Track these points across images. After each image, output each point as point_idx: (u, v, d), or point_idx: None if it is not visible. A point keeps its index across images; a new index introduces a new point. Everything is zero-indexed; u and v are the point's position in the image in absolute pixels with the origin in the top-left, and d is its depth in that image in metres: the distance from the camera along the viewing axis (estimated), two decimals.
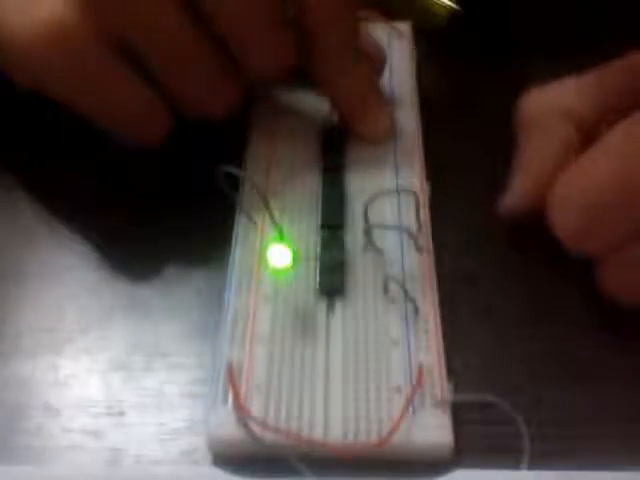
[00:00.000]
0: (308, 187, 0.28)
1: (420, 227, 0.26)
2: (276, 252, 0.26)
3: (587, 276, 0.25)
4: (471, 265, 0.26)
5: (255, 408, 0.22)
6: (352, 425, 0.22)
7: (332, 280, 0.25)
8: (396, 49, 0.34)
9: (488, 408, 0.22)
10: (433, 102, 0.32)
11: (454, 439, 0.21)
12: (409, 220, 0.26)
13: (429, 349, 0.23)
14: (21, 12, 0.25)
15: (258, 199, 0.26)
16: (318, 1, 0.27)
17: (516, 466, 0.21)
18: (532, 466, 0.21)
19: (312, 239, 0.26)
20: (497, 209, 0.26)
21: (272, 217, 0.26)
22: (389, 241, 0.26)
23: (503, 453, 0.21)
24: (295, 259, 0.26)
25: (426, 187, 0.28)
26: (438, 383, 0.22)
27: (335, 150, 0.29)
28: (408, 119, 0.31)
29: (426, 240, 0.26)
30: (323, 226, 0.27)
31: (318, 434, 0.21)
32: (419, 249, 0.26)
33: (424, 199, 0.27)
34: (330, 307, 0.24)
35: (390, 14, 0.35)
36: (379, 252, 0.26)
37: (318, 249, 0.26)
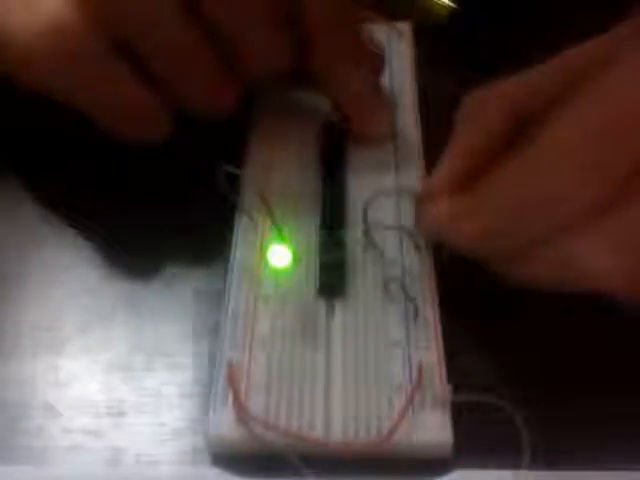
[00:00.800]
0: (308, 187, 0.28)
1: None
2: (276, 252, 0.26)
3: None
4: (471, 265, 0.26)
5: (255, 408, 0.22)
6: (352, 425, 0.22)
7: (332, 280, 0.25)
8: (396, 49, 0.34)
9: (488, 408, 0.22)
10: (433, 102, 0.32)
11: (454, 439, 0.21)
12: (409, 220, 0.26)
13: (429, 349, 0.23)
14: (22, 12, 0.25)
15: (258, 199, 0.26)
16: (318, 1, 0.27)
17: (516, 466, 0.21)
18: (532, 466, 0.21)
19: (312, 239, 0.26)
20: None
21: (272, 217, 0.26)
22: (389, 241, 0.26)
23: (503, 453, 0.21)
24: (295, 259, 0.26)
25: None
26: (438, 383, 0.22)
27: (335, 150, 0.29)
28: (408, 119, 0.31)
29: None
30: (323, 226, 0.27)
31: (318, 434, 0.21)
32: (419, 249, 0.26)
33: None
34: (330, 307, 0.24)
35: (390, 14, 0.35)
36: (379, 252, 0.26)
37: (318, 249, 0.26)
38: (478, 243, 0.23)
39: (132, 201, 0.29)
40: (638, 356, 0.24)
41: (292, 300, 0.25)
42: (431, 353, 0.23)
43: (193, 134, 0.28)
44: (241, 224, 0.27)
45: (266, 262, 0.26)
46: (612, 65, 0.22)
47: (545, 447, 0.21)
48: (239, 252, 0.26)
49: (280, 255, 0.26)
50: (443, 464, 0.21)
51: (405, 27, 0.35)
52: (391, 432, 0.21)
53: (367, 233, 0.26)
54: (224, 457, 0.22)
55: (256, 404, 0.22)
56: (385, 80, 0.32)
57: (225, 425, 0.22)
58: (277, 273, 0.25)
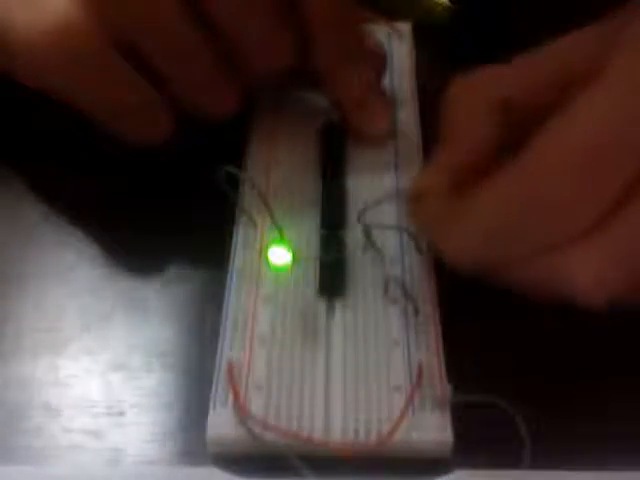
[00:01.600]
0: (308, 187, 0.28)
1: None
2: (276, 252, 0.26)
3: None
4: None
5: (255, 408, 0.22)
6: (352, 425, 0.22)
7: (332, 280, 0.25)
8: (396, 49, 0.34)
9: (488, 408, 0.22)
10: (433, 102, 0.32)
11: (454, 439, 0.21)
12: (409, 220, 0.26)
13: (429, 349, 0.23)
14: (25, 12, 0.25)
15: (258, 199, 0.26)
16: (319, 2, 0.27)
17: (516, 466, 0.21)
18: (532, 466, 0.21)
19: (312, 239, 0.26)
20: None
21: (272, 217, 0.26)
22: (389, 241, 0.26)
23: (503, 453, 0.21)
24: (295, 259, 0.26)
25: None
26: (438, 383, 0.22)
27: (335, 150, 0.29)
28: (408, 119, 0.31)
29: (426, 240, 0.26)
30: (323, 226, 0.27)
31: (318, 434, 0.21)
32: (419, 249, 0.26)
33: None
34: (330, 307, 0.24)
35: (390, 14, 0.35)
36: (379, 252, 0.26)
37: (318, 249, 0.26)
38: (464, 252, 0.23)
39: (132, 201, 0.29)
40: (638, 356, 0.24)
41: (292, 300, 0.25)
42: (431, 353, 0.23)
43: (193, 134, 0.28)
44: (241, 224, 0.27)
45: (266, 262, 0.26)
46: (607, 67, 0.21)
47: (545, 447, 0.21)
48: (239, 252, 0.26)
49: (280, 255, 0.26)
50: (443, 464, 0.21)
51: (405, 27, 0.35)
52: (391, 432, 0.21)
53: (366, 234, 0.26)
54: (224, 457, 0.22)
55: (256, 404, 0.22)
56: (385, 80, 0.32)
57: (225, 425, 0.22)
58: (277, 273, 0.25)
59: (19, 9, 0.26)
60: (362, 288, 0.25)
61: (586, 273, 0.21)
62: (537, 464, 0.21)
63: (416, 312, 0.24)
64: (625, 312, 0.24)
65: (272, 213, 0.26)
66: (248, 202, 0.27)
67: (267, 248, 0.26)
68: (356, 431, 0.21)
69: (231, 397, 0.22)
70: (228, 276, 0.25)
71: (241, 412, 0.21)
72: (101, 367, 0.24)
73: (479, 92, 0.25)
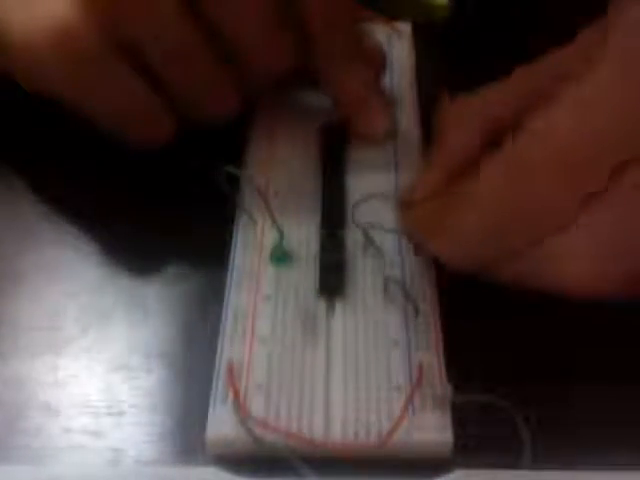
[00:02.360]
0: (308, 187, 0.28)
1: None
2: (276, 252, 0.26)
3: None
4: None
5: (255, 408, 0.22)
6: (352, 425, 0.22)
7: (332, 280, 0.25)
8: (396, 49, 0.34)
9: (488, 408, 0.22)
10: (433, 102, 0.32)
11: (454, 439, 0.21)
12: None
13: (429, 349, 0.23)
14: (25, 13, 0.25)
15: (258, 199, 0.26)
16: (319, 2, 0.27)
17: (516, 466, 0.21)
18: (532, 466, 0.21)
19: (312, 239, 0.26)
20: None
21: (272, 217, 0.26)
22: (389, 241, 0.26)
23: (503, 453, 0.21)
24: (295, 259, 0.26)
25: None
26: (438, 383, 0.22)
27: (335, 150, 0.29)
28: (408, 119, 0.31)
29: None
30: (323, 226, 0.27)
31: (318, 434, 0.21)
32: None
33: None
34: (330, 307, 0.24)
35: (390, 14, 0.35)
36: (379, 252, 0.26)
37: (318, 249, 0.26)
38: (459, 250, 0.23)
39: (132, 200, 0.29)
40: (639, 356, 0.24)
41: (292, 300, 0.25)
42: (431, 353, 0.23)
43: (193, 134, 0.28)
44: (241, 224, 0.27)
45: (266, 262, 0.26)
46: (578, 80, 0.22)
47: (545, 447, 0.21)
48: (239, 252, 0.26)
49: (280, 255, 0.26)
50: (443, 464, 0.21)
51: (405, 27, 0.35)
52: (391, 432, 0.21)
53: (365, 234, 0.26)
54: (224, 457, 0.22)
55: (256, 404, 0.22)
56: (385, 80, 0.32)
57: (225, 425, 0.21)
58: (277, 273, 0.25)
59: (18, 11, 0.26)
60: (362, 288, 0.25)
61: (576, 264, 0.22)
62: (537, 464, 0.21)
63: (416, 312, 0.24)
64: (625, 312, 0.24)
65: (272, 213, 0.26)
66: (248, 202, 0.27)
67: (267, 248, 0.26)
68: (356, 431, 0.21)
69: (231, 397, 0.22)
70: (228, 276, 0.25)
71: (241, 412, 0.21)
72: (101, 367, 0.24)
73: (470, 107, 0.25)
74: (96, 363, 0.24)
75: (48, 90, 0.26)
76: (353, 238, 0.26)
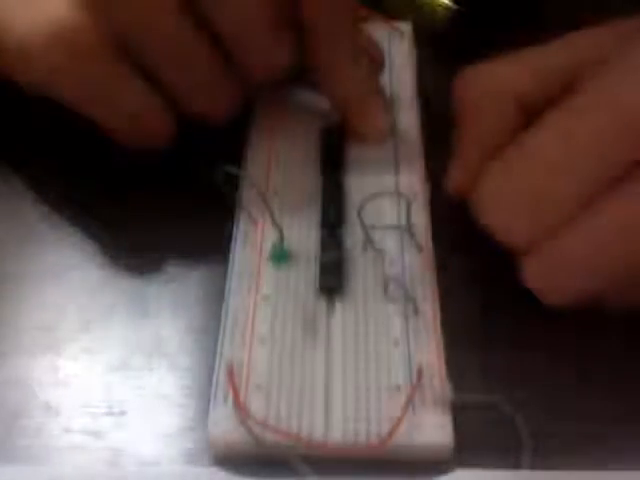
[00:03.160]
0: (308, 187, 0.28)
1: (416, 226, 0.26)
2: (276, 252, 0.26)
3: None
4: (471, 264, 0.26)
5: (255, 408, 0.22)
6: (352, 425, 0.22)
7: (332, 280, 0.25)
8: (396, 49, 0.34)
9: (488, 408, 0.22)
10: (433, 102, 0.32)
11: (454, 439, 0.21)
12: (409, 220, 0.26)
13: (429, 349, 0.23)
14: (25, 14, 0.25)
15: (258, 199, 0.26)
16: (319, 2, 0.27)
17: (516, 466, 0.21)
18: (532, 466, 0.21)
19: (312, 239, 0.26)
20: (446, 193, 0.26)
21: (272, 217, 0.26)
22: (389, 241, 0.26)
23: (503, 453, 0.21)
24: (295, 258, 0.26)
25: (426, 187, 0.28)
26: (438, 383, 0.22)
27: (335, 150, 0.29)
28: (408, 119, 0.31)
29: (426, 240, 0.26)
30: (323, 225, 0.27)
31: (318, 434, 0.21)
32: (419, 249, 0.26)
33: (424, 199, 0.27)
34: (330, 307, 0.24)
35: (390, 14, 0.35)
36: (379, 252, 0.26)
37: (318, 249, 0.26)
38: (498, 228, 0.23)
39: (132, 200, 0.29)
40: (638, 356, 0.24)
41: (292, 299, 0.25)
42: (431, 353, 0.23)
43: (193, 134, 0.28)
44: (241, 223, 0.27)
45: (266, 262, 0.26)
46: (611, 64, 0.22)
47: (545, 447, 0.21)
48: (239, 252, 0.26)
49: (280, 255, 0.26)
50: (443, 464, 0.21)
51: (405, 27, 0.35)
52: (391, 432, 0.21)
53: (365, 233, 0.26)
54: (224, 457, 0.22)
55: (256, 404, 0.22)
56: (385, 80, 0.32)
57: (225, 425, 0.22)
58: (277, 272, 0.25)
59: (18, 11, 0.26)
60: (362, 287, 0.25)
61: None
62: (537, 464, 0.21)
63: (416, 312, 0.24)
64: (626, 312, 0.24)
65: (272, 212, 0.26)
66: (248, 201, 0.27)
67: (267, 248, 0.26)
68: (356, 431, 0.21)
69: (231, 397, 0.22)
70: (228, 276, 0.25)
71: (241, 412, 0.21)
72: (101, 367, 0.24)
73: (491, 86, 0.25)
74: (96, 363, 0.24)
75: (48, 90, 0.26)
76: (353, 238, 0.26)
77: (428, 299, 0.25)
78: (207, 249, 0.27)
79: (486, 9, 0.35)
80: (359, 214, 0.25)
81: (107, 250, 0.27)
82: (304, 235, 0.26)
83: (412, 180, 0.28)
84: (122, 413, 0.23)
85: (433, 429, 0.21)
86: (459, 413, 0.22)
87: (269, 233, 0.26)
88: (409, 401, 0.22)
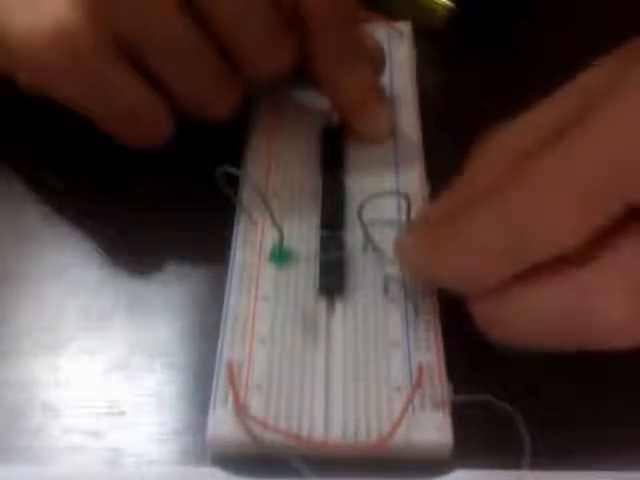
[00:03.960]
0: (308, 187, 0.28)
1: None
2: (276, 252, 0.26)
3: None
4: None
5: (255, 408, 0.22)
6: (352, 425, 0.22)
7: (332, 280, 0.25)
8: (396, 49, 0.34)
9: (488, 408, 0.22)
10: (433, 102, 0.32)
11: (454, 439, 0.21)
12: (409, 220, 0.26)
13: (429, 349, 0.23)
14: (24, 14, 0.25)
15: (258, 199, 0.26)
16: (319, 2, 0.27)
17: (516, 466, 0.21)
18: (532, 466, 0.21)
19: (312, 239, 0.26)
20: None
21: (272, 217, 0.26)
22: (389, 241, 0.26)
23: (503, 453, 0.21)
24: (295, 259, 0.26)
25: (426, 187, 0.28)
26: (438, 383, 0.22)
27: (335, 150, 0.29)
28: (408, 119, 0.31)
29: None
30: (323, 226, 0.27)
31: (318, 434, 0.21)
32: None
33: (424, 199, 0.27)
34: (330, 307, 0.24)
35: (390, 14, 0.35)
36: (379, 252, 0.26)
37: (318, 249, 0.26)
38: (460, 272, 0.22)
39: (132, 201, 0.29)
40: (638, 356, 0.24)
41: (292, 300, 0.25)
42: (431, 353, 0.23)
43: (193, 134, 0.28)
44: (241, 224, 0.27)
45: (266, 262, 0.26)
46: (602, 108, 0.21)
47: (545, 447, 0.21)
48: (239, 252, 0.26)
49: (280, 255, 0.26)
50: (443, 464, 0.21)
51: (405, 27, 0.35)
52: (391, 432, 0.21)
53: (365, 233, 0.26)
54: (224, 457, 0.22)
55: (256, 404, 0.22)
56: (385, 80, 0.32)
57: (225, 425, 0.22)
58: (277, 273, 0.25)
59: (18, 11, 0.26)
60: (362, 288, 0.25)
61: (610, 301, 0.20)
62: (537, 464, 0.21)
63: (416, 312, 0.24)
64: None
65: (272, 213, 0.26)
66: (248, 201, 0.27)
67: (267, 248, 0.26)
68: (356, 431, 0.21)
69: (231, 397, 0.22)
70: (228, 276, 0.25)
71: (241, 412, 0.21)
72: (101, 367, 0.24)
73: (498, 144, 0.24)
74: (96, 363, 0.24)
75: (48, 90, 0.26)
76: (353, 238, 0.26)
77: (428, 299, 0.24)
78: (207, 249, 0.27)
79: (486, 9, 0.35)
80: (359, 214, 0.25)
81: (106, 251, 0.27)
82: (304, 235, 0.26)
83: (412, 180, 0.28)
84: (122, 413, 0.23)
85: (433, 429, 0.21)
86: (459, 413, 0.22)
87: (269, 233, 0.26)
88: (409, 401, 0.22)
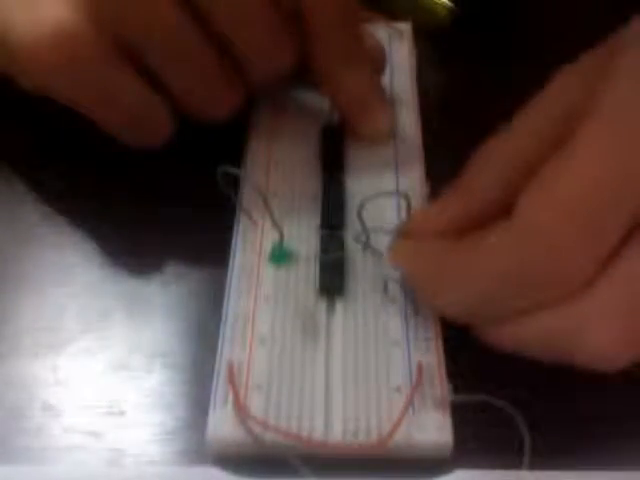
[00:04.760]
0: (308, 187, 0.28)
1: None
2: (276, 252, 0.26)
3: None
4: None
5: (255, 408, 0.22)
6: (352, 425, 0.22)
7: (332, 280, 0.25)
8: (396, 49, 0.34)
9: (488, 408, 0.22)
10: (433, 102, 0.32)
11: (454, 439, 0.21)
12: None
13: (429, 349, 0.23)
14: (25, 14, 0.25)
15: (258, 199, 0.26)
16: (320, 2, 0.27)
17: (516, 466, 0.21)
18: (532, 466, 0.21)
19: (312, 239, 0.26)
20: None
21: (272, 217, 0.26)
22: (389, 241, 0.26)
23: (503, 453, 0.21)
24: (295, 259, 0.26)
25: (426, 187, 0.28)
26: (438, 383, 0.22)
27: (335, 150, 0.29)
28: (408, 119, 0.31)
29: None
30: (323, 226, 0.27)
31: (318, 434, 0.21)
32: None
33: (424, 199, 0.27)
34: (330, 307, 0.24)
35: (390, 14, 0.35)
36: (379, 252, 0.26)
37: (318, 249, 0.26)
38: (456, 307, 0.23)
39: (132, 201, 0.29)
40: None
41: (292, 300, 0.25)
42: (431, 353, 0.23)
43: (193, 134, 0.28)
44: (241, 224, 0.27)
45: (266, 262, 0.26)
46: (600, 104, 0.21)
47: (545, 447, 0.21)
48: (239, 252, 0.26)
49: (280, 255, 0.26)
50: (443, 464, 0.21)
51: (405, 27, 0.35)
52: (391, 432, 0.21)
53: (365, 234, 0.26)
54: (224, 457, 0.22)
55: (256, 404, 0.22)
56: (385, 80, 0.32)
57: (225, 425, 0.22)
58: (277, 273, 0.25)
59: (18, 11, 0.26)
60: (362, 288, 0.25)
61: (598, 329, 0.21)
62: (537, 464, 0.21)
63: (416, 312, 0.24)
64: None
65: (272, 213, 0.26)
66: (248, 202, 0.27)
67: (267, 248, 0.26)
68: (356, 431, 0.21)
69: (231, 397, 0.22)
70: (228, 276, 0.25)
71: (241, 412, 0.21)
72: (101, 367, 0.24)
73: (496, 150, 0.24)
74: (96, 363, 0.24)
75: (48, 90, 0.26)
76: (353, 238, 0.26)
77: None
78: (207, 249, 0.27)
79: (486, 9, 0.35)
80: (359, 214, 0.25)
81: (107, 251, 0.27)
82: (304, 235, 0.26)
83: (412, 180, 0.28)
84: (122, 413, 0.23)
85: (433, 429, 0.21)
86: (459, 413, 0.22)
87: (269, 233, 0.26)
88: (409, 401, 0.22)
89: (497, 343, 0.22)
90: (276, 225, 0.25)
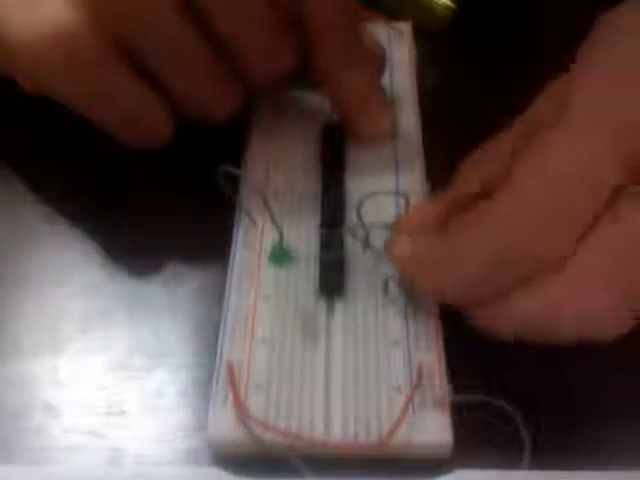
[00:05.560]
0: (308, 187, 0.28)
1: None
2: (276, 252, 0.26)
3: None
4: None
5: (255, 408, 0.22)
6: (352, 425, 0.22)
7: (332, 280, 0.25)
8: (396, 49, 0.34)
9: (488, 408, 0.22)
10: (433, 102, 0.32)
11: (454, 439, 0.21)
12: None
13: (429, 349, 0.23)
14: (24, 14, 0.25)
15: (258, 199, 0.26)
16: (320, 2, 0.27)
17: (516, 466, 0.21)
18: (532, 466, 0.21)
19: (312, 239, 0.26)
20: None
21: (272, 217, 0.26)
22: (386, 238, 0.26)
23: (503, 453, 0.21)
24: (295, 258, 0.26)
25: (426, 187, 0.28)
26: (438, 383, 0.22)
27: (335, 150, 0.29)
28: (408, 119, 0.31)
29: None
30: (323, 226, 0.27)
31: (318, 434, 0.21)
32: None
33: (424, 199, 0.27)
34: (330, 307, 0.24)
35: (390, 14, 0.35)
36: (379, 252, 0.26)
37: (318, 249, 0.26)
38: (447, 291, 0.23)
39: (132, 201, 0.29)
40: (639, 356, 0.24)
41: (292, 300, 0.25)
42: (431, 353, 0.23)
43: (193, 134, 0.28)
44: (241, 224, 0.27)
45: (266, 262, 0.26)
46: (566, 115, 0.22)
47: (545, 447, 0.21)
48: (239, 252, 0.26)
49: (280, 255, 0.26)
50: (443, 464, 0.21)
51: (405, 27, 0.35)
52: (391, 432, 0.21)
53: (366, 233, 0.26)
54: (224, 457, 0.22)
55: (256, 404, 0.22)
56: (385, 80, 0.32)
57: (225, 425, 0.22)
58: (277, 273, 0.25)
59: (17, 11, 0.26)
60: (362, 287, 0.25)
61: (575, 304, 0.22)
62: (537, 464, 0.21)
63: (416, 312, 0.24)
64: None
65: (272, 212, 0.26)
66: (248, 201, 0.27)
67: (267, 248, 0.26)
68: (356, 431, 0.21)
69: (231, 397, 0.22)
70: (228, 276, 0.25)
71: (241, 412, 0.21)
72: (101, 367, 0.24)
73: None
74: (96, 363, 0.24)
75: (47, 91, 0.26)
76: (353, 238, 0.26)
77: (428, 299, 0.24)
78: (207, 249, 0.27)
79: (485, 9, 0.35)
80: (359, 214, 0.25)
81: (107, 251, 0.27)
82: (304, 235, 0.26)
83: (412, 180, 0.28)
84: (122, 413, 0.23)
85: (433, 429, 0.21)
86: (459, 413, 0.22)
87: (269, 233, 0.26)
88: (409, 401, 0.22)
89: (493, 327, 0.23)
90: (276, 225, 0.25)
